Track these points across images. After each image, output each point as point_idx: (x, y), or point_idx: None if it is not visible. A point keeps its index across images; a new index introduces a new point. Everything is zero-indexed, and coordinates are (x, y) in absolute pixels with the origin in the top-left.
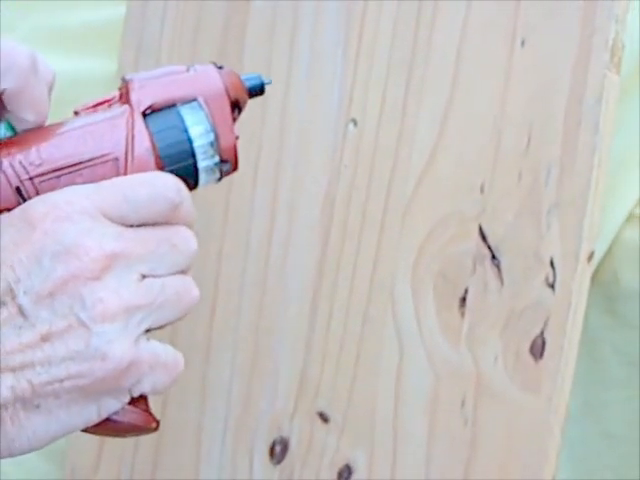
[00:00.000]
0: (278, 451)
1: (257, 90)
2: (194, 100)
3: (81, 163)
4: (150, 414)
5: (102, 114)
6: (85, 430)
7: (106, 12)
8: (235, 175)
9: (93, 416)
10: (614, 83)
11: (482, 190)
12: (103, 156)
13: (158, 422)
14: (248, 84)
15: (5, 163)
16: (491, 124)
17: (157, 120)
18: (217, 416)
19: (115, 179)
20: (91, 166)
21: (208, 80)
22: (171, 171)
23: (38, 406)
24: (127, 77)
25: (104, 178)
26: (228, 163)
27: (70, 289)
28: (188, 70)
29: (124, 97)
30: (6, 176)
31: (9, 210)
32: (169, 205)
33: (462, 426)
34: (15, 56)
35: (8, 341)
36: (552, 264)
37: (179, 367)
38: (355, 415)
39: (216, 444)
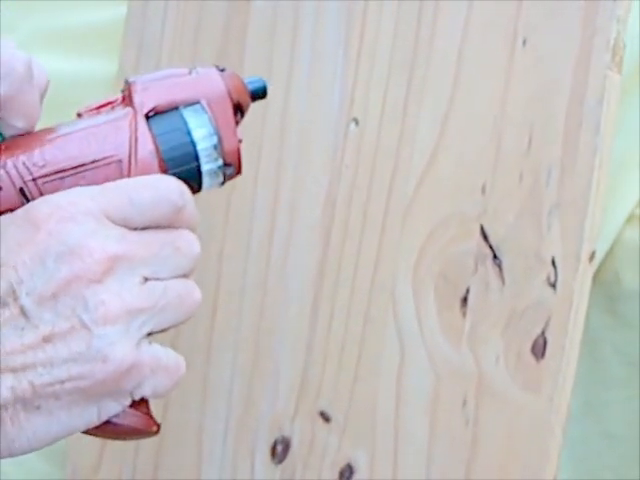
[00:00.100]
0: (279, 451)
1: (260, 93)
2: (197, 103)
3: (84, 165)
4: (151, 418)
5: (105, 116)
6: (86, 432)
7: (106, 13)
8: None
9: (93, 418)
10: (615, 83)
11: (483, 190)
12: (106, 158)
13: (159, 426)
14: (250, 87)
15: (9, 164)
16: (492, 124)
17: (160, 122)
18: (218, 416)
19: (119, 181)
20: (94, 168)
21: (211, 83)
22: (174, 174)
23: (39, 407)
24: (130, 79)
25: (107, 180)
26: (231, 166)
27: (73, 290)
28: (190, 73)
29: (127, 99)
30: (10, 177)
31: (12, 211)
32: (172, 208)
33: (463, 426)
34: (13, 62)
35: (9, 342)
36: (553, 264)
37: (180, 371)
38: (356, 415)
39: (217, 444)
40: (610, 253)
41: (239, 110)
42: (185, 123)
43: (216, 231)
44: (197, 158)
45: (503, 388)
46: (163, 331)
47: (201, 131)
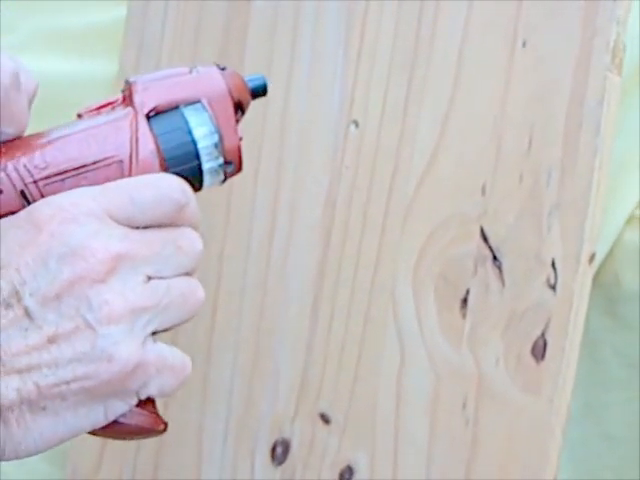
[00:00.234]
0: (279, 452)
1: (260, 91)
2: (198, 102)
3: (85, 166)
4: (158, 416)
5: (105, 117)
6: (92, 432)
7: (106, 14)
8: (236, 176)
9: (100, 418)
10: (615, 85)
11: (483, 191)
12: (107, 159)
13: (166, 424)
14: (251, 85)
15: (9, 167)
16: (492, 125)
17: (161, 122)
18: (218, 417)
19: (121, 181)
20: (95, 169)
21: (211, 81)
22: (176, 173)
23: (44, 408)
24: (130, 79)
25: (108, 181)
26: (232, 164)
27: (76, 291)
28: (191, 72)
29: (127, 99)
30: (10, 180)
31: (13, 214)
32: (174, 206)
33: (463, 427)
34: None
35: (14, 343)
36: (553, 265)
37: (186, 370)
38: (356, 416)
39: (217, 445)
40: (610, 255)
41: (240, 108)
42: (186, 122)
43: (216, 231)
44: (198, 157)
45: (503, 389)
46: (167, 330)
47: (202, 130)
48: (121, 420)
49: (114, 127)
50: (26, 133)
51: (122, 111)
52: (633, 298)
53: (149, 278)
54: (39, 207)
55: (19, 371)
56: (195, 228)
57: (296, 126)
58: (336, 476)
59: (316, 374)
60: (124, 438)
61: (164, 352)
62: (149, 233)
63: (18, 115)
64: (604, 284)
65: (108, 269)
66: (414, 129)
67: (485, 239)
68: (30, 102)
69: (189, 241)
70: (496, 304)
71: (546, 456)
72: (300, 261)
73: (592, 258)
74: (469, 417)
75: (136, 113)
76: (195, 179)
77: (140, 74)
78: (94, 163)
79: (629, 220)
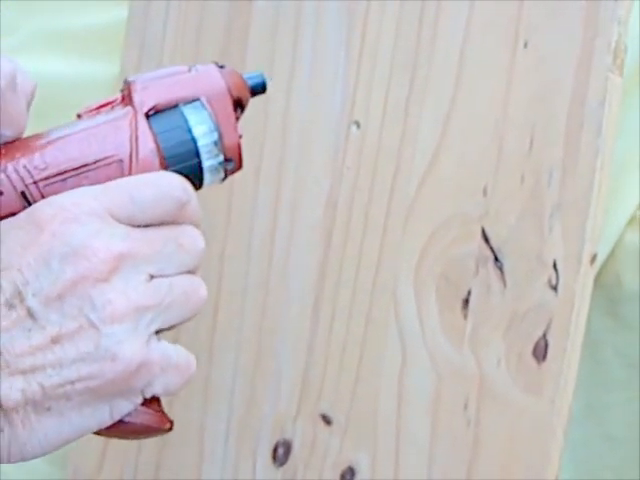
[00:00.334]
0: (281, 453)
1: (259, 88)
2: (197, 100)
3: (86, 166)
4: (163, 415)
5: (105, 116)
6: (97, 432)
7: (107, 15)
8: (237, 176)
9: (106, 418)
10: (617, 85)
11: (485, 192)
12: (107, 158)
13: (172, 423)
14: (250, 82)
15: (9, 168)
16: (493, 125)
17: (160, 121)
18: (220, 417)
19: (121, 180)
20: (96, 168)
21: (210, 79)
22: (176, 171)
23: (49, 409)
24: (129, 79)
25: (109, 180)
26: (232, 162)
27: (79, 291)
28: (190, 70)
29: (127, 99)
30: (11, 181)
31: (13, 215)
32: (176, 204)
33: (465, 427)
34: None
35: (18, 344)
36: (555, 266)
37: (191, 368)
38: (358, 417)
39: (219, 445)
40: (611, 255)
41: (239, 106)
42: (185, 120)
43: (218, 231)
44: (198, 155)
45: (504, 390)
46: (171, 328)
47: (201, 128)
48: (126, 419)
49: (114, 126)
50: (26, 134)
51: (121, 110)
52: (634, 299)
53: (151, 277)
54: (40, 207)
55: (23, 372)
56: (196, 226)
57: (297, 126)
58: (337, 477)
59: (317, 374)
60: (130, 437)
61: (168, 350)
62: (150, 232)
63: (16, 117)
64: (605, 285)
65: (110, 268)
66: (415, 129)
67: (486, 240)
68: (28, 103)
69: (191, 239)
70: (497, 305)
71: (547, 456)
72: (301, 261)
73: (593, 259)
74: (470, 417)
75: (135, 112)
76: (195, 177)
77: (139, 73)
78: (94, 163)
79: (630, 221)
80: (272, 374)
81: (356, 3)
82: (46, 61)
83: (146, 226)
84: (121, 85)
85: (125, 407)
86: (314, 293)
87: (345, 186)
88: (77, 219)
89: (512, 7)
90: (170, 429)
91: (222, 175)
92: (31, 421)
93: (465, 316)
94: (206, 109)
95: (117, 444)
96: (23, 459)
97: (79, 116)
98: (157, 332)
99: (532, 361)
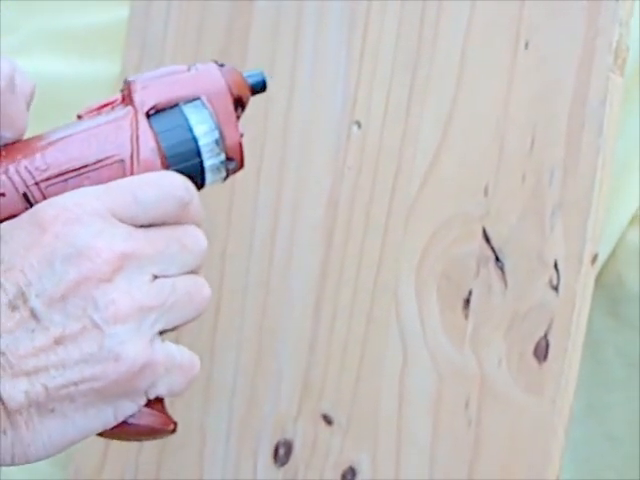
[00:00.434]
0: (282, 453)
1: (259, 87)
2: (197, 99)
3: (87, 166)
4: (167, 416)
5: (106, 116)
6: (101, 434)
7: (108, 15)
8: (238, 176)
9: (110, 419)
10: (618, 85)
11: (486, 192)
12: (108, 158)
13: (176, 424)
14: (250, 81)
15: (11, 169)
16: (495, 125)
17: (161, 120)
18: (221, 417)
19: (123, 180)
20: (97, 169)
21: (210, 78)
22: (177, 171)
23: (53, 410)
24: (129, 78)
25: (110, 180)
26: (234, 161)
27: (82, 291)
28: (190, 69)
29: (127, 99)
30: (12, 182)
31: (15, 217)
32: (178, 204)
33: (466, 427)
34: None
35: (21, 345)
36: (556, 266)
37: (195, 369)
38: (359, 417)
39: (220, 445)
40: (612, 255)
41: (240, 104)
42: (186, 119)
43: (219, 231)
44: (199, 154)
45: (505, 390)
46: (174, 329)
47: (202, 127)
48: (130, 421)
49: (114, 126)
50: (26, 134)
51: (122, 110)
52: (635, 298)
53: (155, 277)
54: (42, 208)
55: (27, 373)
56: (198, 226)
57: (299, 126)
58: (338, 477)
59: (318, 374)
60: (134, 439)
61: (172, 351)
62: (153, 232)
63: (16, 118)
64: (607, 284)
65: (114, 269)
66: (417, 129)
67: (487, 239)
68: (28, 104)
69: (193, 239)
70: (498, 305)
71: (549, 456)
72: (303, 261)
73: (595, 259)
74: (472, 417)
75: (136, 112)
76: (197, 176)
77: (139, 73)
78: (95, 163)
79: (632, 220)
80: (273, 374)
81: (357, 3)
82: (46, 61)
83: (149, 226)
84: (121, 85)
85: (129, 408)
86: (315, 293)
87: (346, 186)
88: (79, 220)
89: (513, 7)
90: (174, 430)
91: (224, 174)
92: (35, 423)
93: (466, 316)
94: (207, 108)
95: (118, 444)
96: (27, 461)
97: (79, 117)
98: (160, 333)
99: (533, 361)
